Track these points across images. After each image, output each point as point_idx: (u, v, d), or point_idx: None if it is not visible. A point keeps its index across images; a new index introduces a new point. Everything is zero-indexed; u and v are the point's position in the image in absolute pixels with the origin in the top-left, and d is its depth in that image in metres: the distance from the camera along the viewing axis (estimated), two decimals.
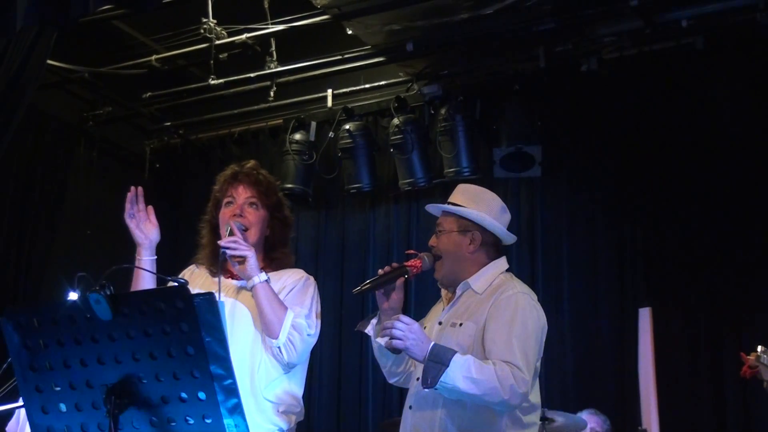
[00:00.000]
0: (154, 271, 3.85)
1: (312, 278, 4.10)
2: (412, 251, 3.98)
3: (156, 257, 3.98)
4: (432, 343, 3.53)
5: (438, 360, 3.47)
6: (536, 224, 7.19)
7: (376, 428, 7.08)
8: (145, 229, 3.99)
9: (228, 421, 2.59)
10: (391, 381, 4.05)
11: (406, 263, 3.84)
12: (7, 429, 5.15)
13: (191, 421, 2.63)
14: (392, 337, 3.52)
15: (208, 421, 2.61)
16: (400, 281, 3.84)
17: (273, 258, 4.09)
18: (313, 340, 3.92)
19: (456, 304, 3.87)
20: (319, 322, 3.95)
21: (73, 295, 3.02)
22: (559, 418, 5.69)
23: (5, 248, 7.38)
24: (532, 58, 6.86)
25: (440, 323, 3.86)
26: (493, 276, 3.87)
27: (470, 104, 7.17)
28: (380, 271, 3.84)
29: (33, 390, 2.72)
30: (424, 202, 7.27)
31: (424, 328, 3.77)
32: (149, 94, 7.98)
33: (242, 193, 4.06)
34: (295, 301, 3.89)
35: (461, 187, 4.04)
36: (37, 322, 2.67)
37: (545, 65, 6.74)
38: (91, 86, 7.82)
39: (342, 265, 7.82)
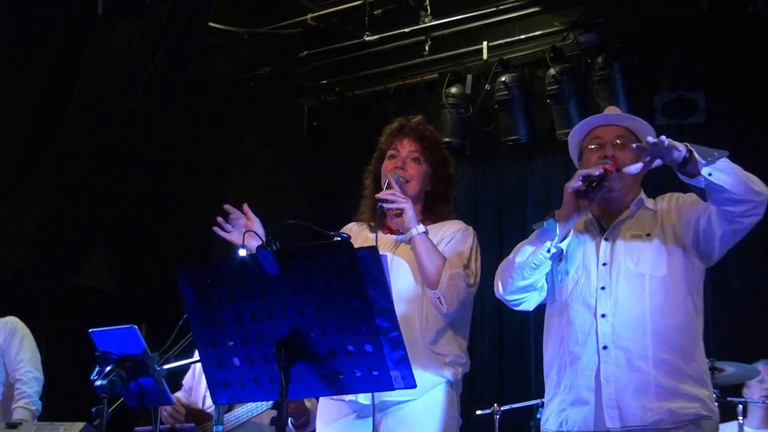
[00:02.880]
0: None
1: (471, 229, 4.09)
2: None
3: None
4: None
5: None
6: None
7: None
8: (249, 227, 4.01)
9: (394, 373, 2.62)
10: (512, 297, 3.69)
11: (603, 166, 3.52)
12: (183, 383, 5.37)
13: (358, 374, 2.67)
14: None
15: (375, 373, 2.64)
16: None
17: (432, 212, 4.09)
18: (473, 290, 3.92)
19: (630, 220, 3.64)
20: (479, 272, 3.94)
21: (242, 252, 3.12)
22: (730, 367, 5.58)
23: (177, 208, 7.65)
24: (693, 1, 6.62)
25: (606, 239, 3.60)
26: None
27: (628, 51, 6.99)
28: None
29: (208, 345, 2.81)
30: None
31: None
32: (306, 53, 8.07)
33: (406, 146, 4.08)
34: (453, 252, 3.90)
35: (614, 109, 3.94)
36: (210, 279, 2.75)
37: (708, 8, 6.50)
38: (250, 47, 7.99)
39: (501, 216, 7.79)
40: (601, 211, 3.68)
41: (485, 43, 7.61)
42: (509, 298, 3.66)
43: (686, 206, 3.63)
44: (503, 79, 7.39)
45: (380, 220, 3.96)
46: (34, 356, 5.77)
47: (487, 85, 7.55)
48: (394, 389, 2.68)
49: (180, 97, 6.75)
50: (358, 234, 4.15)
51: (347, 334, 2.64)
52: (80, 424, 4.78)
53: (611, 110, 3.92)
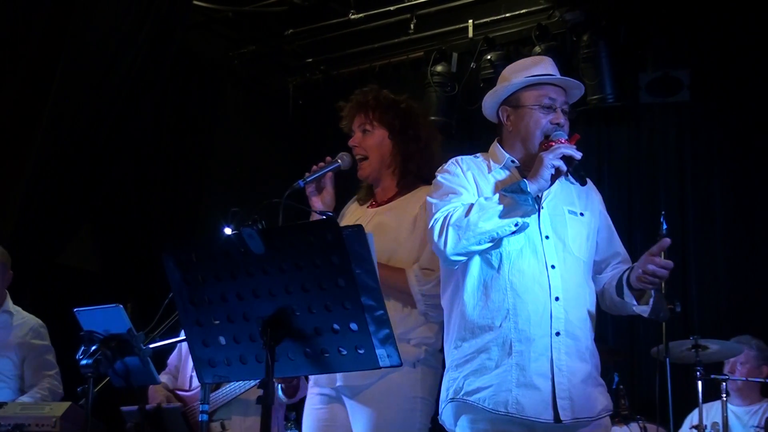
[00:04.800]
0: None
1: None
2: None
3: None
4: None
5: None
6: (685, 151, 7.00)
7: None
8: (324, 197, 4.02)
9: (380, 352, 2.63)
10: (456, 258, 3.43)
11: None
12: (168, 362, 5.37)
13: (344, 352, 2.68)
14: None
15: (361, 351, 2.65)
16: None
17: (406, 176, 4.01)
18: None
19: (557, 188, 3.57)
20: None
21: (227, 231, 3.12)
22: (713, 345, 5.62)
23: (162, 186, 7.63)
24: None
25: (542, 208, 3.51)
26: None
27: (613, 29, 7.00)
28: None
29: (194, 324, 2.80)
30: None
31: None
32: (291, 31, 8.04)
33: (356, 122, 4.05)
34: (419, 240, 3.82)
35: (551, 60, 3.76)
36: (196, 258, 2.75)
37: None
38: (234, 25, 7.95)
39: None
40: (525, 175, 3.48)
41: (471, 21, 7.61)
42: (454, 258, 3.39)
43: (607, 230, 3.67)
44: (489, 57, 7.38)
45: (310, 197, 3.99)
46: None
47: (472, 64, 7.54)
48: (380, 367, 2.68)
49: (165, 76, 6.72)
50: (353, 212, 4.13)
51: (333, 312, 2.64)
52: (66, 404, 4.78)
53: (549, 63, 3.73)
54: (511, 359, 3.36)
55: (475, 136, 7.92)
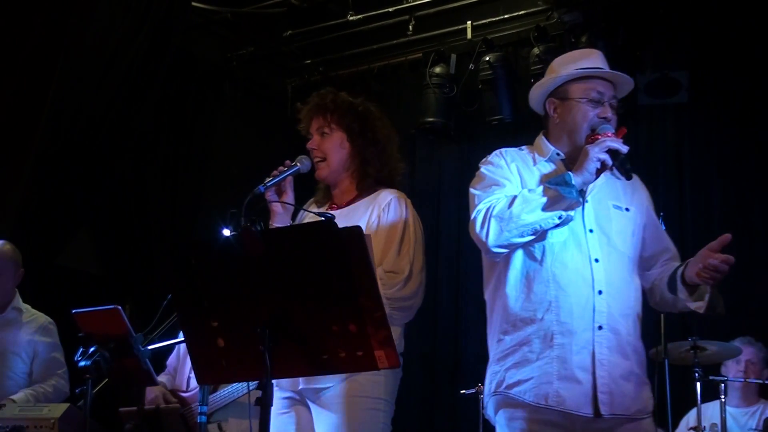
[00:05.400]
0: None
1: (402, 201, 3.93)
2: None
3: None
4: None
5: None
6: (683, 152, 6.99)
7: None
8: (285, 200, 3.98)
9: (379, 353, 2.63)
10: (499, 249, 3.41)
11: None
12: (167, 363, 5.37)
13: (342, 354, 2.68)
14: None
15: (359, 353, 2.65)
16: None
17: (366, 182, 4.01)
18: (412, 287, 3.77)
19: (602, 183, 3.57)
20: (416, 261, 3.79)
21: (226, 232, 3.12)
22: (712, 346, 5.62)
23: (161, 188, 7.62)
24: None
25: (587, 201, 3.48)
26: None
27: (612, 30, 6.98)
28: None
29: (192, 325, 2.82)
30: None
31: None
32: (289, 32, 8.04)
33: (314, 125, 4.04)
34: (378, 250, 3.76)
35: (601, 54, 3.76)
36: (194, 259, 2.75)
37: None
38: (233, 26, 7.95)
39: None
40: (570, 168, 3.45)
41: (469, 22, 7.61)
42: (496, 249, 3.39)
43: (654, 227, 3.66)
44: (487, 58, 7.37)
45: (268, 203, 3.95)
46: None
47: (471, 65, 7.53)
48: (378, 369, 2.68)
49: (163, 78, 6.71)
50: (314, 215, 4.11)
51: (331, 314, 2.64)
52: (64, 405, 4.78)
53: (599, 57, 3.74)
54: (552, 352, 3.35)
55: (473, 138, 7.93)
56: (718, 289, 3.39)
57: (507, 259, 3.47)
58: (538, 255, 3.43)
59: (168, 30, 6.57)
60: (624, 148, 3.35)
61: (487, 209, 3.37)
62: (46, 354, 5.63)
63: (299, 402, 3.78)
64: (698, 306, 3.39)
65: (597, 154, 3.30)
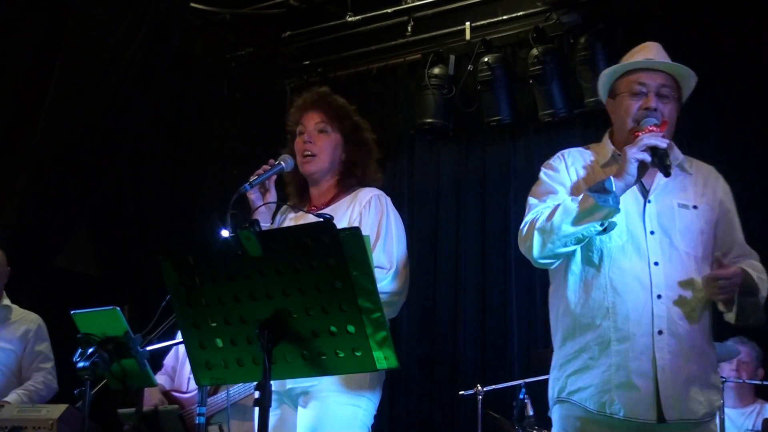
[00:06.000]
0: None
1: (382, 199, 3.94)
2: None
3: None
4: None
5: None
6: (682, 153, 6.98)
7: (528, 358, 7.02)
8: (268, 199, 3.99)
9: (377, 354, 2.63)
10: (546, 261, 3.41)
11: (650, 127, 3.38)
12: (164, 363, 5.37)
13: (341, 354, 2.68)
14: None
15: (358, 354, 2.65)
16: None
17: (348, 182, 4.02)
18: (398, 284, 3.77)
19: (672, 181, 3.46)
20: (396, 258, 3.79)
21: (224, 233, 3.12)
22: None
23: (159, 189, 7.63)
24: None
25: (649, 201, 3.42)
26: None
27: (611, 32, 6.98)
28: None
29: (191, 326, 2.80)
30: (564, 133, 7.20)
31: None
32: (288, 33, 8.05)
33: (311, 119, 4.03)
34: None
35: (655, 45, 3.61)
36: (193, 260, 2.75)
37: None
38: (232, 28, 7.95)
39: (483, 197, 7.79)
40: None
41: (468, 23, 7.60)
42: (542, 261, 3.37)
43: (727, 223, 3.58)
44: (486, 59, 7.37)
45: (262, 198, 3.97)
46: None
47: (469, 66, 7.53)
48: (377, 370, 2.69)
49: (162, 78, 6.72)
50: (295, 217, 4.09)
51: (330, 314, 2.64)
52: (63, 406, 4.79)
53: (651, 48, 3.61)
54: (610, 359, 3.31)
55: (471, 139, 7.93)
56: (755, 301, 3.34)
57: (566, 264, 3.43)
58: (596, 260, 3.38)
59: (167, 31, 6.58)
60: (663, 143, 3.27)
61: (532, 221, 3.34)
62: (35, 348, 5.71)
63: (283, 399, 3.79)
64: (729, 318, 3.36)
65: (634, 155, 3.23)
